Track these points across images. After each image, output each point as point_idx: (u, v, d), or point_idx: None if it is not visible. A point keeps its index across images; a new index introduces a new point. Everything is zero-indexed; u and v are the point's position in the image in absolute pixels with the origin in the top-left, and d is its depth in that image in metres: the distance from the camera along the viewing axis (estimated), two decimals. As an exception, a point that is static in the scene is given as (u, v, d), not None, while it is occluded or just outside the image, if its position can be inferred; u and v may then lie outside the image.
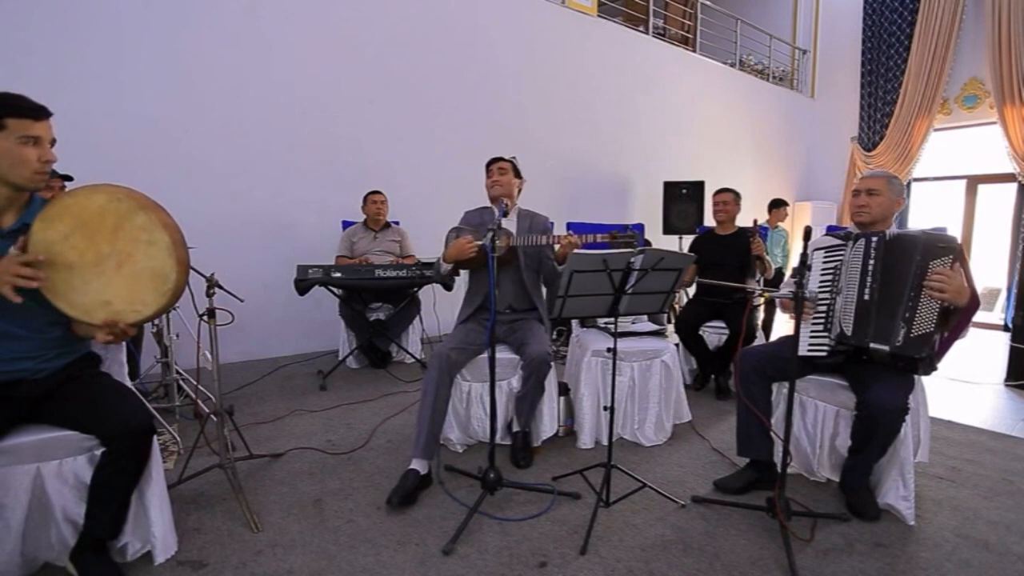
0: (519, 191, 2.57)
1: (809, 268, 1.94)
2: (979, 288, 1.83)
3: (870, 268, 1.93)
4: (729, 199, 3.53)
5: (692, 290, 3.77)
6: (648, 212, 6.11)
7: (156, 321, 2.81)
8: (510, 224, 2.54)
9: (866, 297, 1.92)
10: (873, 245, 1.93)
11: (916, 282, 1.82)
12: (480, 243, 2.28)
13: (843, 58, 7.88)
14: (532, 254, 2.51)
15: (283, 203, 4.12)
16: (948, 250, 1.80)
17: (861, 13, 7.40)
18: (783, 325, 4.93)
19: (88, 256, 1.40)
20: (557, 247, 2.36)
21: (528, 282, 2.52)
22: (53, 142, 1.45)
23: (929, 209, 7.36)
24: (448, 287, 2.87)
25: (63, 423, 1.50)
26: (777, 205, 5.63)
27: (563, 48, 5.60)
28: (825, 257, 2.04)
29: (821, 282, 2.01)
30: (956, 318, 1.84)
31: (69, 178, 2.62)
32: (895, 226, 2.12)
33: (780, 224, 5.64)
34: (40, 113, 1.40)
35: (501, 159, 2.52)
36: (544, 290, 2.63)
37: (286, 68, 4.05)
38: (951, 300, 1.77)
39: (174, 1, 3.59)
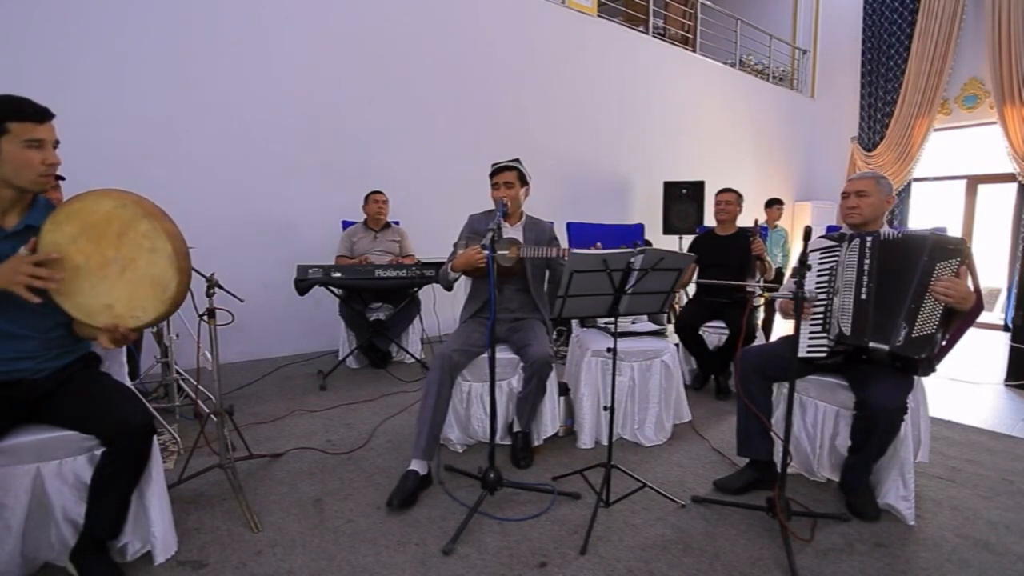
0: (526, 196, 2.54)
1: (809, 268, 1.94)
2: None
3: (865, 268, 1.93)
4: (732, 199, 3.53)
5: (692, 290, 3.77)
6: (648, 212, 6.11)
7: (152, 328, 2.81)
8: (516, 233, 2.52)
9: (863, 297, 1.92)
10: (868, 245, 1.94)
11: (921, 283, 1.80)
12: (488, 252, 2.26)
13: (843, 58, 7.89)
14: (539, 263, 2.51)
15: (283, 203, 4.12)
16: (956, 252, 1.78)
17: (861, 13, 7.40)
18: (783, 325, 4.93)
19: (94, 260, 1.42)
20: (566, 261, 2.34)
21: (533, 290, 2.53)
22: (56, 144, 1.46)
23: (929, 209, 7.36)
24: (448, 287, 2.87)
25: (63, 423, 1.50)
26: (771, 204, 5.63)
27: (563, 48, 5.60)
28: (820, 258, 2.04)
29: (817, 283, 2.01)
30: (958, 321, 1.83)
31: (61, 178, 2.61)
32: (887, 226, 2.12)
33: (778, 224, 5.64)
34: (43, 116, 1.41)
35: (506, 168, 2.45)
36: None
37: (286, 68, 4.06)
38: (956, 305, 1.76)
39: (174, 1, 3.59)
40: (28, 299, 1.33)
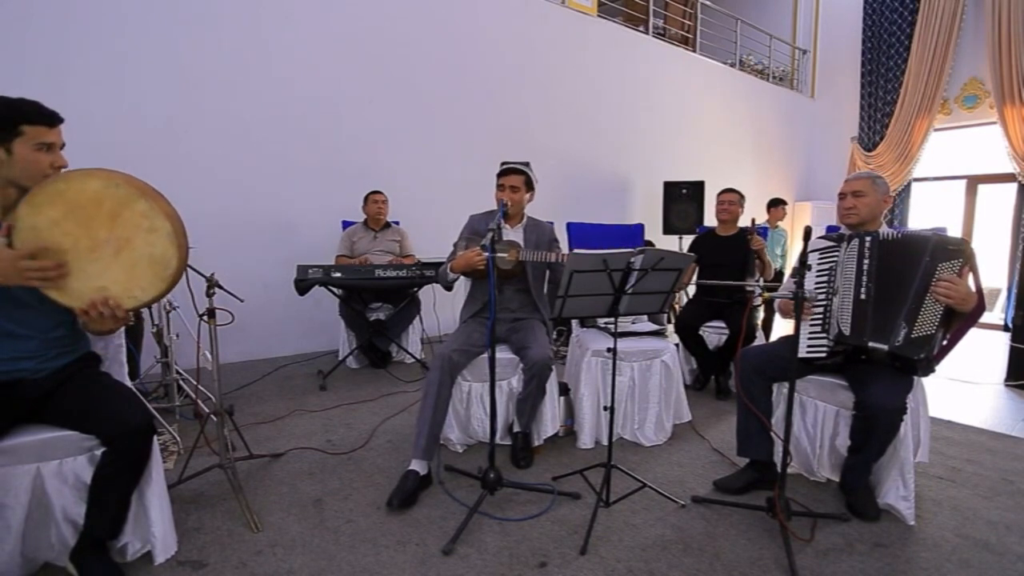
0: (529, 201, 2.53)
1: (809, 268, 1.94)
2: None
3: (865, 268, 1.93)
4: (734, 199, 3.53)
5: (692, 290, 3.77)
6: (648, 212, 6.11)
7: (156, 321, 2.81)
8: (516, 235, 2.52)
9: (862, 297, 1.92)
10: (867, 245, 1.94)
11: (923, 283, 1.80)
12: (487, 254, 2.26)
13: (843, 58, 7.89)
14: (539, 264, 2.51)
15: (283, 203, 4.12)
16: (958, 252, 1.78)
17: (861, 13, 7.40)
18: (783, 325, 4.93)
19: (83, 242, 1.38)
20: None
21: (534, 291, 2.53)
22: (62, 146, 1.48)
23: (929, 209, 7.36)
24: (448, 287, 2.87)
25: (63, 423, 1.50)
26: (775, 204, 5.63)
27: (563, 48, 5.60)
28: (820, 259, 2.04)
29: (817, 283, 2.01)
30: (959, 321, 1.83)
31: None
32: (885, 226, 2.12)
33: (779, 224, 5.65)
34: (54, 120, 1.44)
35: (513, 171, 2.42)
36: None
37: (286, 68, 4.06)
38: (957, 306, 1.76)
39: (174, 1, 3.59)
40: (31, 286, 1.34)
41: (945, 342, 1.86)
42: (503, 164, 2.47)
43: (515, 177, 2.42)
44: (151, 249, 1.41)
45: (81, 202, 1.37)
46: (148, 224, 1.40)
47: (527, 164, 2.48)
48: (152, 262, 1.41)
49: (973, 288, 1.78)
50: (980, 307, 1.78)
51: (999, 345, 4.93)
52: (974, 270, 1.79)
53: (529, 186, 2.47)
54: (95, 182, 1.38)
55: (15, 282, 1.33)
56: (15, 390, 1.47)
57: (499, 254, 2.38)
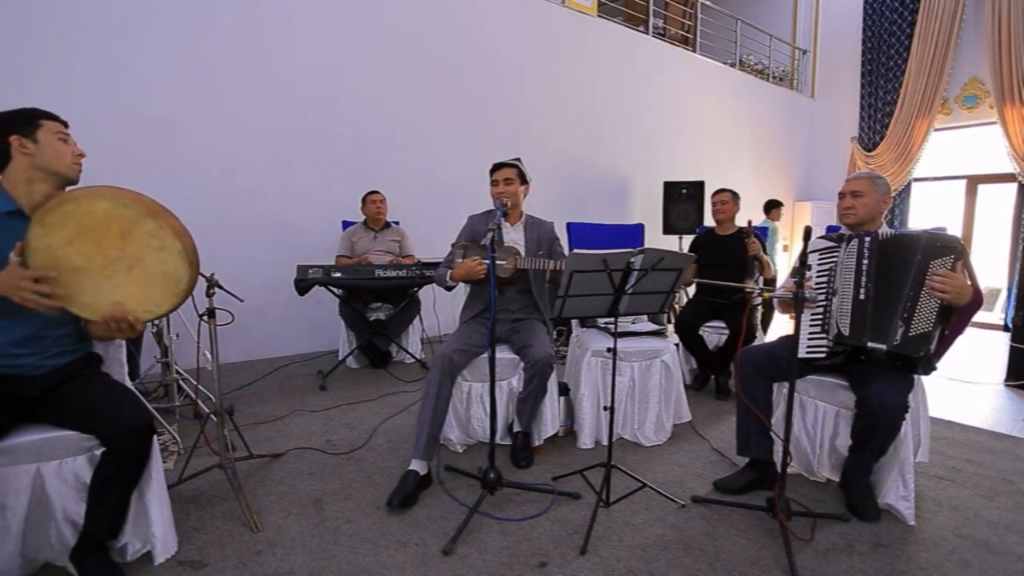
0: (525, 195, 2.55)
1: (809, 268, 1.94)
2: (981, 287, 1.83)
3: (864, 268, 1.93)
4: (727, 198, 3.53)
5: (692, 290, 3.77)
6: (648, 212, 6.11)
7: (156, 321, 2.81)
8: (517, 234, 2.53)
9: (861, 297, 1.93)
10: (866, 245, 1.94)
11: (916, 281, 1.82)
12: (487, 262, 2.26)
13: (843, 58, 7.89)
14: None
15: (283, 203, 4.12)
16: (949, 249, 1.80)
17: (861, 13, 7.40)
18: (782, 323, 4.93)
19: (96, 260, 1.43)
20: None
21: (535, 291, 2.53)
22: None
23: (929, 209, 7.36)
24: (448, 288, 2.87)
25: (63, 423, 1.50)
26: (775, 206, 5.64)
27: (563, 48, 5.60)
28: (820, 259, 2.04)
29: (817, 283, 2.02)
30: (956, 316, 1.84)
31: None
32: (886, 226, 2.12)
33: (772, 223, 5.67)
34: (64, 122, 1.58)
35: (505, 165, 2.47)
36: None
37: (286, 67, 4.06)
38: (953, 300, 1.77)
39: (174, 1, 3.59)
40: (38, 308, 1.38)
41: (945, 334, 1.87)
42: (494, 165, 2.50)
43: (507, 170, 2.45)
44: (163, 267, 1.46)
45: (90, 223, 1.41)
46: (158, 243, 1.45)
47: (518, 159, 2.50)
48: (165, 278, 1.47)
49: (968, 282, 1.79)
50: (977, 300, 1.80)
51: (999, 345, 4.93)
52: (967, 265, 1.82)
53: (523, 180, 2.49)
54: (103, 203, 1.41)
55: (13, 297, 1.34)
56: (14, 386, 1.48)
57: (498, 262, 2.38)
